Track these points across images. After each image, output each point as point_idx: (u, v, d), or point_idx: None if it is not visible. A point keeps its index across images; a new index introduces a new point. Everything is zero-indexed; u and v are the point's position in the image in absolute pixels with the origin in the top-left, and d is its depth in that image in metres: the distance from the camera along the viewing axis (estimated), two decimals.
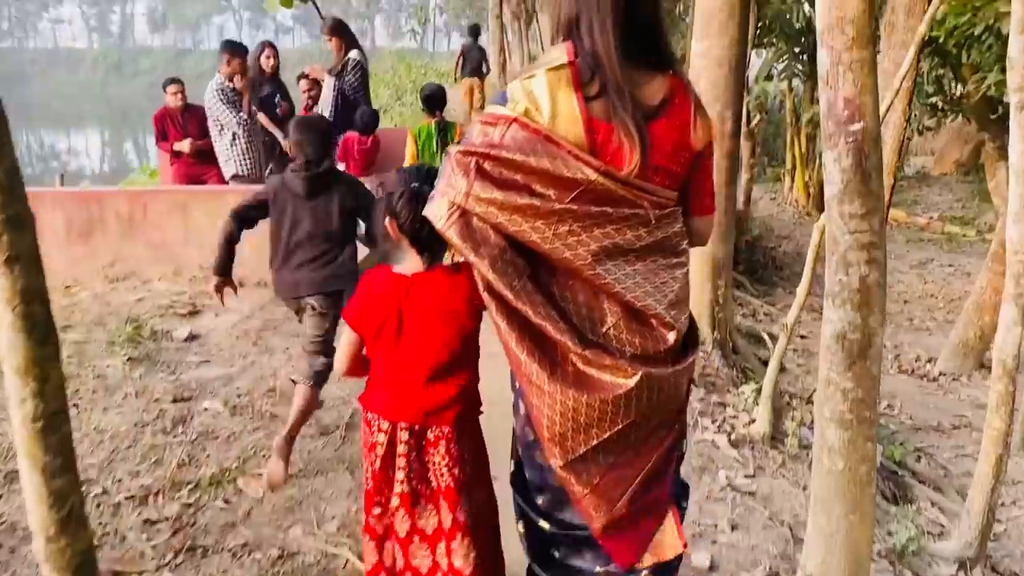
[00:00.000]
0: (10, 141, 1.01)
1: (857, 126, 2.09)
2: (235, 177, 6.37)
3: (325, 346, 3.04)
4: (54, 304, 3.32)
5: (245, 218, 3.22)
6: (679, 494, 1.98)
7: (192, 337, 4.17)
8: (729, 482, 3.41)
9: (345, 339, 2.08)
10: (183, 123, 7.16)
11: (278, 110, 6.95)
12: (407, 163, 6.55)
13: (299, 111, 7.48)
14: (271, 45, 7.03)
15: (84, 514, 1.13)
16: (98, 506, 2.70)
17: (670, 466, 1.87)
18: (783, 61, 11.63)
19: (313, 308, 3.05)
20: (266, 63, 6.88)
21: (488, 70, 15.27)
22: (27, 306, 1.09)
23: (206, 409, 3.42)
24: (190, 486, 2.86)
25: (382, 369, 2.05)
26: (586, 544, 1.87)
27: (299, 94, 7.56)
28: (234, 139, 6.31)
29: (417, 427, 2.02)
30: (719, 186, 4.82)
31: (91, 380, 3.49)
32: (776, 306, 8.75)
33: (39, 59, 76.93)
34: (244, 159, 6.35)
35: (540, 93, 1.64)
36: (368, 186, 6.72)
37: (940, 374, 6.61)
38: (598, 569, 1.88)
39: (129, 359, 3.76)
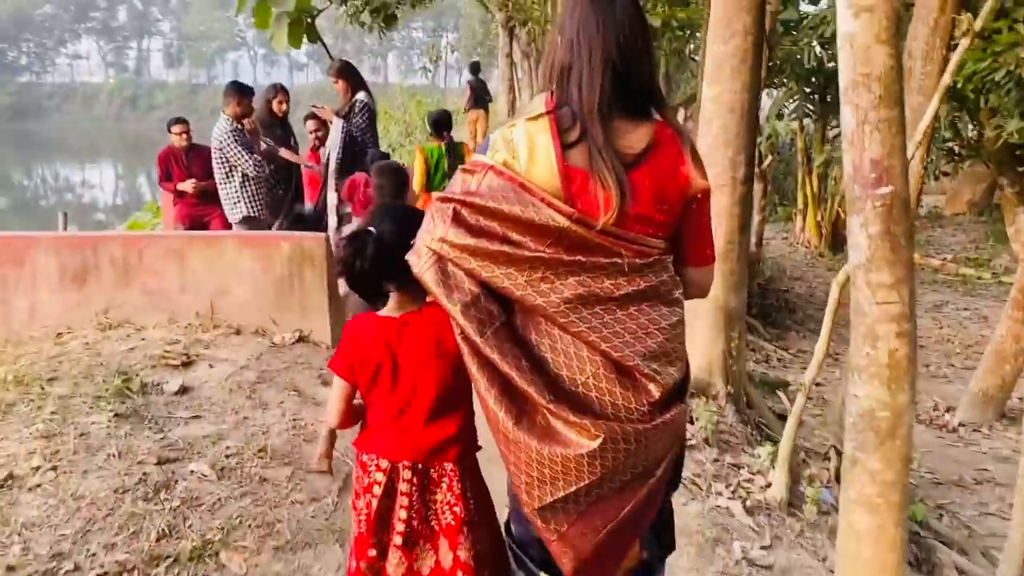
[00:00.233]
0: None
1: (885, 190, 1.93)
2: (247, 219, 6.27)
3: None
4: (43, 354, 3.17)
5: None
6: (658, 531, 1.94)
7: (183, 390, 4.01)
8: (744, 554, 3.21)
9: (337, 390, 2.06)
10: (187, 163, 7.10)
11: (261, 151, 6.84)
12: (416, 179, 6.62)
13: (305, 152, 7.43)
14: (284, 90, 6.99)
15: None
16: None
17: (646, 515, 1.82)
18: (794, 101, 11.54)
19: None
20: (278, 108, 6.85)
21: (491, 99, 16.45)
22: None
23: (192, 472, 3.24)
24: (169, 560, 2.68)
25: (380, 412, 2.03)
26: None
27: (305, 134, 7.51)
28: (245, 181, 6.23)
29: (420, 466, 2.02)
30: (731, 232, 4.66)
31: (73, 440, 3.32)
32: (789, 351, 8.55)
33: (56, 93, 77.91)
34: (255, 201, 6.27)
35: (519, 142, 1.68)
36: None
37: (960, 424, 6.40)
38: None
39: (115, 415, 3.59)
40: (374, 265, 1.93)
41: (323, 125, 7.31)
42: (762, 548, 3.28)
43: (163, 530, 2.83)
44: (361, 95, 7.47)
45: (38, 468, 3.10)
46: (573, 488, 1.67)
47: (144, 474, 3.14)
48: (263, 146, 6.65)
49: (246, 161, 6.18)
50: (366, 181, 6.87)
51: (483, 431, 1.97)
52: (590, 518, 1.73)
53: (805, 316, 9.77)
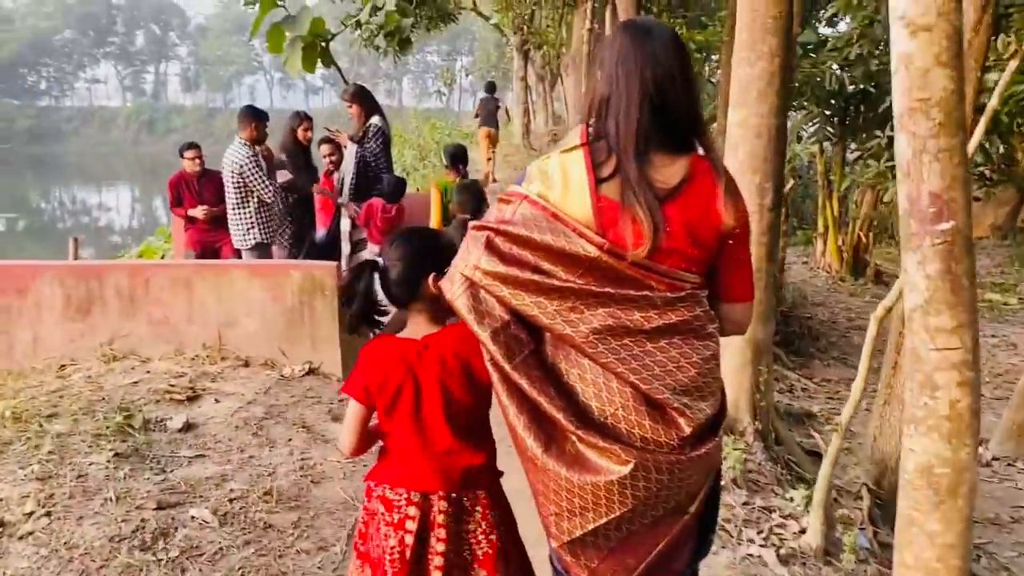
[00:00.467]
0: None
1: (946, 226, 1.75)
2: (259, 246, 6.17)
3: None
4: (44, 388, 3.01)
5: None
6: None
7: (188, 427, 3.85)
8: None
9: (352, 415, 1.98)
10: (199, 189, 7.00)
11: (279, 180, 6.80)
12: (432, 214, 6.57)
13: (319, 176, 7.34)
14: (308, 118, 6.93)
15: None
16: None
17: (681, 556, 1.79)
18: (814, 124, 11.37)
19: None
20: (303, 136, 6.77)
21: (499, 120, 16.48)
22: None
23: (193, 518, 3.07)
24: None
25: (404, 440, 1.96)
26: None
27: (320, 158, 7.41)
28: (260, 206, 6.14)
29: (454, 495, 1.95)
30: (758, 261, 4.47)
31: (70, 482, 3.17)
32: (813, 380, 8.32)
33: (74, 117, 78.76)
34: (267, 228, 6.21)
35: (553, 173, 1.70)
36: None
37: (993, 458, 6.15)
38: None
39: (115, 455, 3.43)
40: (369, 294, 1.96)
41: (337, 149, 7.22)
42: None
43: None
44: (375, 119, 7.37)
45: (31, 514, 2.94)
46: (603, 520, 1.65)
47: (142, 520, 2.97)
48: (281, 177, 6.60)
49: (266, 187, 6.10)
50: (383, 207, 6.79)
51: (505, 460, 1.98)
52: (621, 555, 1.70)
53: (828, 344, 9.53)
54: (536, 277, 1.65)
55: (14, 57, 77.02)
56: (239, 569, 2.81)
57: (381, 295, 2.00)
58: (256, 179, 6.02)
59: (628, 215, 1.64)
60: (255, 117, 6.29)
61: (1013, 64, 3.07)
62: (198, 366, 4.57)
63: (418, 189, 12.02)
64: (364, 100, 7.49)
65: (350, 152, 7.27)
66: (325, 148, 7.19)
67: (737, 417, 4.57)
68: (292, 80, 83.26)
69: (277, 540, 3.04)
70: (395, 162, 10.91)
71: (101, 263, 5.20)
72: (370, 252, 7.00)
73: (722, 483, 3.95)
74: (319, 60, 9.31)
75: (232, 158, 6.03)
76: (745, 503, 3.77)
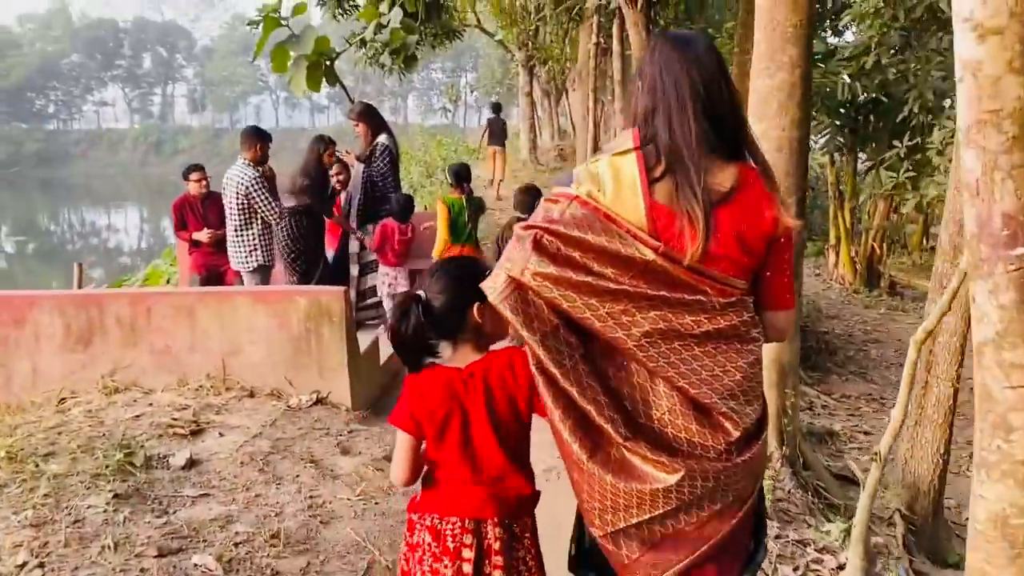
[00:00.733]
0: None
1: (1022, 251, 1.57)
2: (261, 268, 6.06)
3: None
4: (42, 424, 2.83)
5: None
6: None
7: (191, 463, 3.68)
8: None
9: (402, 447, 1.97)
10: (203, 212, 6.88)
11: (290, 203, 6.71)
12: (439, 230, 6.54)
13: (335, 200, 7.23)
14: (333, 142, 6.83)
15: None
16: None
17: (727, 562, 1.78)
18: (824, 135, 11.21)
19: None
20: (328, 160, 6.70)
21: (507, 137, 17.18)
22: None
23: (196, 565, 2.89)
24: None
25: (453, 468, 1.95)
26: None
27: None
28: (264, 228, 6.04)
29: (507, 521, 1.95)
30: None
31: (65, 528, 2.99)
32: (833, 396, 8.12)
33: (82, 140, 79.16)
34: (269, 249, 6.13)
35: (604, 175, 1.70)
36: (401, 278, 6.45)
37: None
38: None
39: (115, 496, 3.26)
40: (420, 331, 1.92)
41: (345, 169, 7.10)
42: None
43: None
44: (382, 138, 7.24)
45: (24, 565, 2.76)
46: (647, 516, 1.67)
47: (142, 570, 2.79)
48: (290, 201, 6.52)
49: (271, 208, 6.00)
50: (400, 228, 6.67)
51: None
52: (664, 552, 1.71)
53: (846, 358, 9.33)
54: (590, 279, 1.63)
55: (22, 81, 77.53)
56: None
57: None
58: (262, 200, 5.91)
59: (681, 218, 1.64)
60: (259, 137, 6.19)
61: None
62: (202, 397, 4.40)
63: (426, 207, 11.88)
64: (371, 118, 7.37)
65: (357, 172, 7.13)
66: (333, 168, 7.07)
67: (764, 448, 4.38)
68: (297, 99, 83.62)
69: None
70: (402, 180, 10.78)
71: (101, 292, 5.05)
72: (381, 274, 6.85)
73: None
74: (324, 79, 9.21)
75: (237, 179, 5.90)
76: (777, 536, 3.58)
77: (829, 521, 4.07)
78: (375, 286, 7.10)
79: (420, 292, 1.97)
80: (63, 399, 4.44)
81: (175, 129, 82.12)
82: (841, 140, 11.09)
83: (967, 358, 4.49)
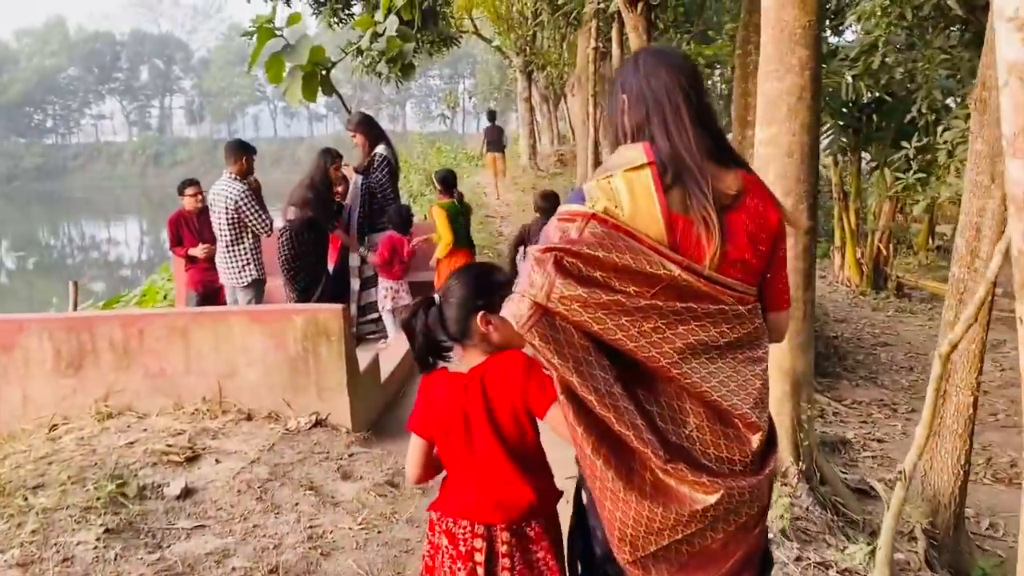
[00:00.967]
0: None
1: None
2: (256, 282, 5.96)
3: None
4: (31, 454, 2.69)
5: None
6: None
7: (187, 493, 3.54)
8: None
9: (413, 448, 2.05)
10: (199, 227, 6.76)
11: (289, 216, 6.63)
12: (442, 237, 6.62)
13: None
14: (340, 155, 6.74)
15: None
16: None
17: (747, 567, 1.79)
18: (828, 136, 11.08)
19: None
20: (335, 174, 6.63)
21: (506, 144, 18.09)
22: None
23: None
24: None
25: (461, 473, 2.00)
26: None
27: None
28: (255, 242, 5.94)
29: (515, 526, 1.95)
30: (794, 288, 4.15)
31: (54, 567, 2.85)
32: (843, 402, 7.97)
33: (81, 153, 79.22)
34: (262, 263, 6.02)
35: (620, 191, 1.66)
36: (403, 291, 6.34)
37: None
38: None
39: (106, 530, 3.12)
40: (430, 333, 1.99)
41: (344, 181, 6.98)
42: None
43: None
44: (381, 148, 7.11)
45: None
46: (679, 536, 1.65)
47: None
48: (291, 214, 6.43)
49: (263, 222, 5.91)
50: (404, 242, 6.58)
51: None
52: (692, 571, 1.70)
53: (856, 363, 9.19)
54: (620, 297, 1.60)
55: (20, 96, 77.62)
56: None
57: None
58: (252, 213, 5.82)
59: (697, 225, 1.64)
60: (244, 150, 6.10)
61: None
62: (198, 421, 4.26)
63: (425, 217, 11.79)
64: (368, 129, 7.25)
65: (355, 183, 7.01)
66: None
67: (778, 457, 4.24)
68: (295, 109, 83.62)
69: None
70: (401, 188, 10.65)
71: (91, 314, 4.91)
72: (383, 288, 6.73)
73: (769, 535, 3.62)
74: (320, 89, 9.09)
75: (226, 193, 5.79)
76: (797, 558, 3.43)
77: (849, 539, 3.93)
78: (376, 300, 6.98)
79: (435, 295, 2.04)
80: (54, 426, 4.31)
81: (173, 141, 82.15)
82: (844, 141, 10.97)
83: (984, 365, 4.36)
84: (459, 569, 1.95)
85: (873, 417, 7.54)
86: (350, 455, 4.18)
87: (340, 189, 6.96)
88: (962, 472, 4.39)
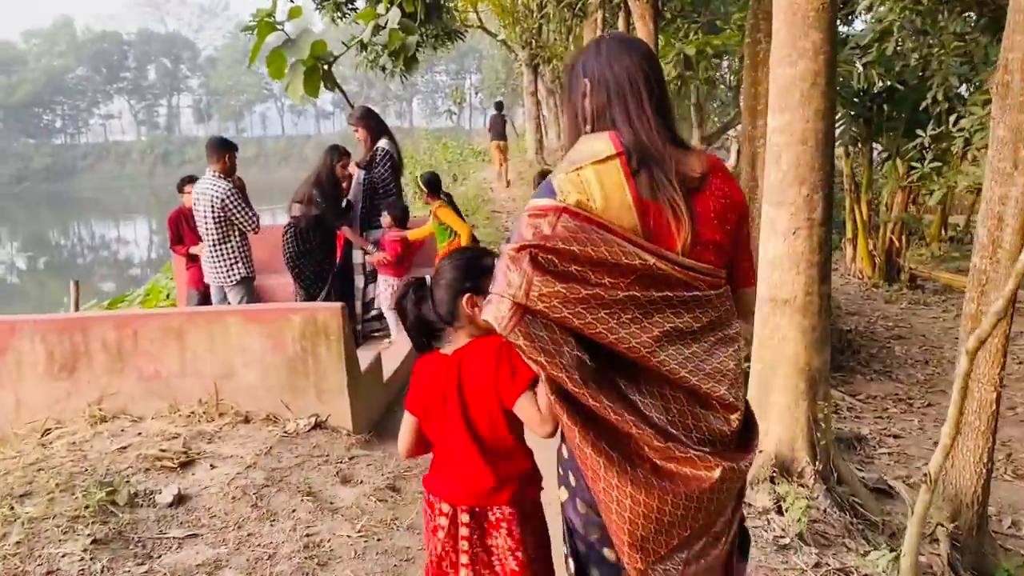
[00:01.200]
0: None
1: None
2: (245, 280, 5.86)
3: None
4: (22, 460, 2.53)
5: None
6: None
7: (179, 500, 3.41)
8: None
9: (404, 422, 2.13)
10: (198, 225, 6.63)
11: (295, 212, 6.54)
12: (460, 226, 6.59)
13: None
14: (347, 153, 6.65)
15: None
16: None
17: (732, 565, 1.84)
18: (839, 125, 10.87)
19: None
20: (341, 172, 6.54)
21: (509, 133, 19.28)
22: None
23: None
24: None
25: (439, 452, 2.07)
26: None
27: None
28: (243, 240, 5.84)
29: (477, 509, 2.00)
30: (809, 283, 4.00)
31: None
32: (858, 397, 7.81)
33: (90, 153, 79.40)
34: (249, 260, 5.94)
35: (591, 184, 1.64)
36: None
37: None
38: None
39: (94, 541, 3.00)
40: (419, 314, 2.04)
41: (348, 177, 6.85)
42: None
43: None
44: (383, 143, 6.98)
45: None
46: (687, 532, 1.65)
47: None
48: (296, 210, 6.35)
49: (250, 219, 5.83)
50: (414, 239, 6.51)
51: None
52: (696, 563, 1.69)
53: (870, 356, 9.01)
54: (598, 291, 1.59)
55: (29, 97, 77.84)
56: None
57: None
58: (239, 211, 5.73)
59: (665, 210, 1.65)
60: (226, 148, 6.02)
61: None
62: (193, 424, 4.13)
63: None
64: (371, 123, 7.11)
65: (358, 178, 6.88)
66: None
67: (794, 457, 4.09)
68: (303, 107, 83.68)
69: None
70: (405, 183, 10.51)
71: (84, 315, 4.79)
72: (384, 285, 6.61)
73: (786, 540, 3.48)
74: (322, 83, 8.95)
75: (212, 192, 5.69)
76: (816, 564, 3.29)
77: (869, 542, 3.78)
78: None
79: (427, 276, 2.07)
80: (48, 430, 4.19)
81: (182, 140, 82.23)
82: (855, 131, 10.76)
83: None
84: (431, 539, 2.06)
85: (889, 412, 7.38)
86: (350, 458, 4.04)
87: (345, 185, 6.85)
88: (985, 471, 4.22)
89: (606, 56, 1.76)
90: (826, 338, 4.21)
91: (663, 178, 1.66)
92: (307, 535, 3.26)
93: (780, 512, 3.65)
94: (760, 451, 4.29)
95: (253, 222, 5.87)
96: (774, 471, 3.98)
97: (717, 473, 1.62)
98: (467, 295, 1.95)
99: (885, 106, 10.01)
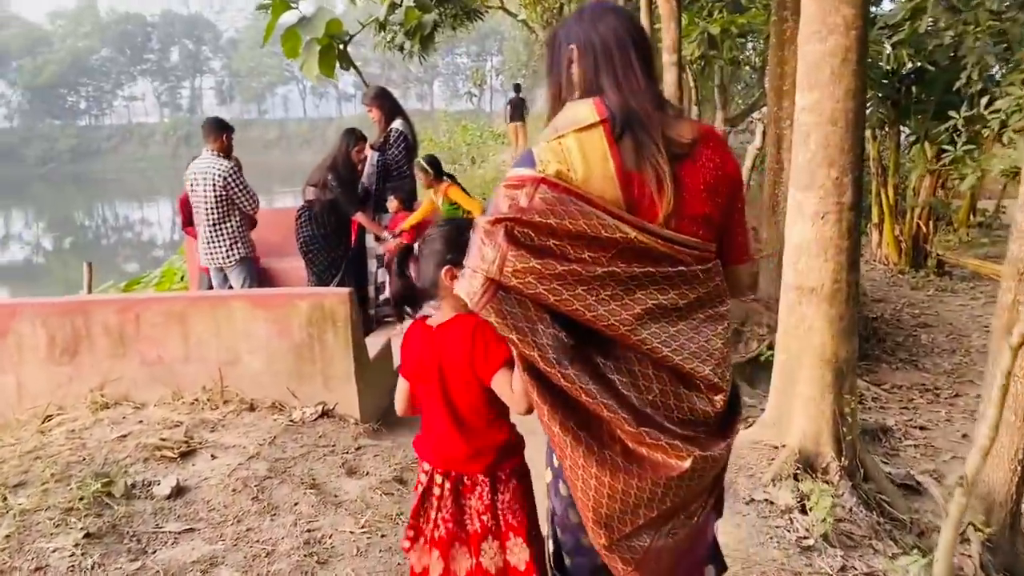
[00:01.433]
0: None
1: None
2: (244, 260, 5.77)
3: None
4: (19, 447, 2.37)
5: None
6: (713, 555, 1.92)
7: (178, 492, 3.29)
8: None
9: (398, 384, 2.21)
10: None
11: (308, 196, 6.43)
12: (474, 206, 6.44)
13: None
14: (364, 138, 6.48)
15: None
16: None
17: (708, 528, 1.82)
18: (867, 107, 10.57)
19: None
20: (356, 156, 6.37)
21: (527, 113, 19.25)
22: None
23: None
24: None
25: (424, 416, 2.14)
26: None
27: None
28: (242, 220, 5.74)
29: (453, 474, 2.06)
30: (837, 269, 3.81)
31: None
32: (883, 386, 7.61)
33: (114, 135, 79.76)
34: (249, 241, 5.86)
35: (572, 152, 1.59)
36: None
37: None
38: None
39: (86, 535, 2.88)
40: (402, 282, 2.09)
41: (364, 161, 6.71)
42: None
43: None
44: (397, 123, 6.84)
45: None
46: (655, 513, 1.60)
47: None
48: (310, 194, 6.23)
49: (252, 199, 5.72)
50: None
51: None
52: (665, 540, 1.65)
53: (895, 344, 8.79)
54: (575, 267, 1.53)
55: (55, 78, 78.27)
56: None
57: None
58: (241, 190, 5.62)
59: (649, 179, 1.58)
60: (224, 128, 5.93)
61: None
62: (197, 412, 4.02)
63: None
64: (385, 103, 6.96)
65: (370, 159, 6.74)
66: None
67: (819, 452, 3.92)
68: (324, 89, 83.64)
69: None
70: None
71: (86, 298, 4.67)
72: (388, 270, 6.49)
73: (810, 541, 3.31)
74: (337, 63, 8.80)
75: (213, 170, 5.58)
76: (843, 568, 3.12)
77: (897, 543, 3.61)
78: None
79: (416, 245, 2.08)
80: (49, 416, 4.09)
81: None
82: (883, 113, 10.48)
83: None
84: (416, 494, 2.15)
85: (915, 403, 7.18)
86: (357, 448, 3.91)
87: (360, 168, 6.72)
88: (1019, 468, 4.03)
89: (589, 20, 1.71)
90: (854, 328, 4.02)
91: (647, 141, 1.59)
92: (308, 530, 3.13)
93: (804, 511, 3.48)
94: (783, 445, 4.13)
95: (254, 202, 5.77)
96: (797, 467, 3.81)
97: (688, 463, 1.57)
98: (447, 267, 1.94)
99: (914, 88, 9.72)
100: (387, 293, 6.67)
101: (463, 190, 6.64)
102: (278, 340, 4.12)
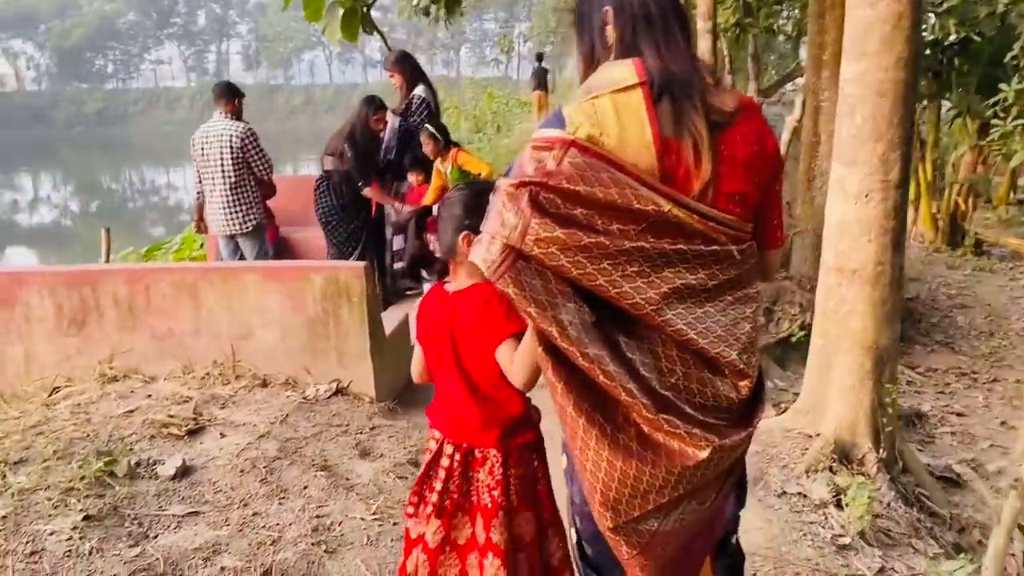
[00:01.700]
0: None
1: None
2: (259, 227, 5.63)
3: None
4: (23, 422, 2.18)
5: None
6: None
7: (183, 472, 3.17)
8: None
9: (415, 351, 2.17)
10: None
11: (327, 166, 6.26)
12: (483, 169, 6.17)
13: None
14: (384, 106, 6.31)
15: None
16: None
17: (721, 519, 1.75)
18: None
19: None
20: (376, 124, 6.21)
21: (548, 82, 19.33)
22: None
23: None
24: None
25: (437, 384, 2.10)
26: None
27: None
28: (258, 185, 5.60)
29: (464, 445, 2.01)
30: (882, 251, 3.58)
31: (19, 562, 2.50)
32: (917, 369, 7.36)
33: (141, 99, 79.88)
34: (263, 207, 5.70)
35: (606, 115, 1.49)
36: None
37: None
38: None
39: (86, 517, 2.76)
40: (418, 245, 2.04)
41: (383, 129, 6.52)
42: None
43: None
44: (419, 90, 6.63)
45: None
46: (665, 499, 1.52)
47: None
48: (329, 164, 6.08)
49: (266, 163, 5.57)
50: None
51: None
52: (673, 526, 1.57)
53: (931, 326, 8.51)
54: (602, 239, 1.43)
55: (82, 41, 78.42)
56: None
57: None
58: (257, 153, 5.48)
59: (687, 147, 1.48)
60: (235, 92, 5.80)
61: None
62: (207, 387, 3.89)
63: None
64: (406, 67, 6.75)
65: (393, 125, 6.55)
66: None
67: (855, 443, 3.72)
68: (350, 55, 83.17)
69: None
70: (451, 134, 10.16)
71: (94, 268, 4.54)
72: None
73: (846, 540, 3.13)
74: (361, 27, 8.57)
75: (229, 133, 5.41)
76: (881, 569, 2.93)
77: (937, 541, 3.42)
78: None
79: (435, 207, 2.01)
80: (56, 388, 3.98)
81: None
82: (923, 85, 10.10)
83: None
84: (423, 461, 2.12)
85: (951, 387, 6.94)
86: (371, 428, 3.77)
87: (382, 137, 6.53)
88: None
89: None
90: (896, 313, 3.81)
91: (688, 106, 1.49)
92: (317, 516, 2.99)
93: (839, 506, 3.30)
94: (817, 434, 3.94)
95: (269, 167, 5.63)
96: (833, 458, 3.62)
97: (705, 453, 1.49)
98: (465, 232, 1.88)
99: (956, 59, 9.33)
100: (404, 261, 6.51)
101: (470, 155, 6.43)
102: (292, 314, 3.98)
